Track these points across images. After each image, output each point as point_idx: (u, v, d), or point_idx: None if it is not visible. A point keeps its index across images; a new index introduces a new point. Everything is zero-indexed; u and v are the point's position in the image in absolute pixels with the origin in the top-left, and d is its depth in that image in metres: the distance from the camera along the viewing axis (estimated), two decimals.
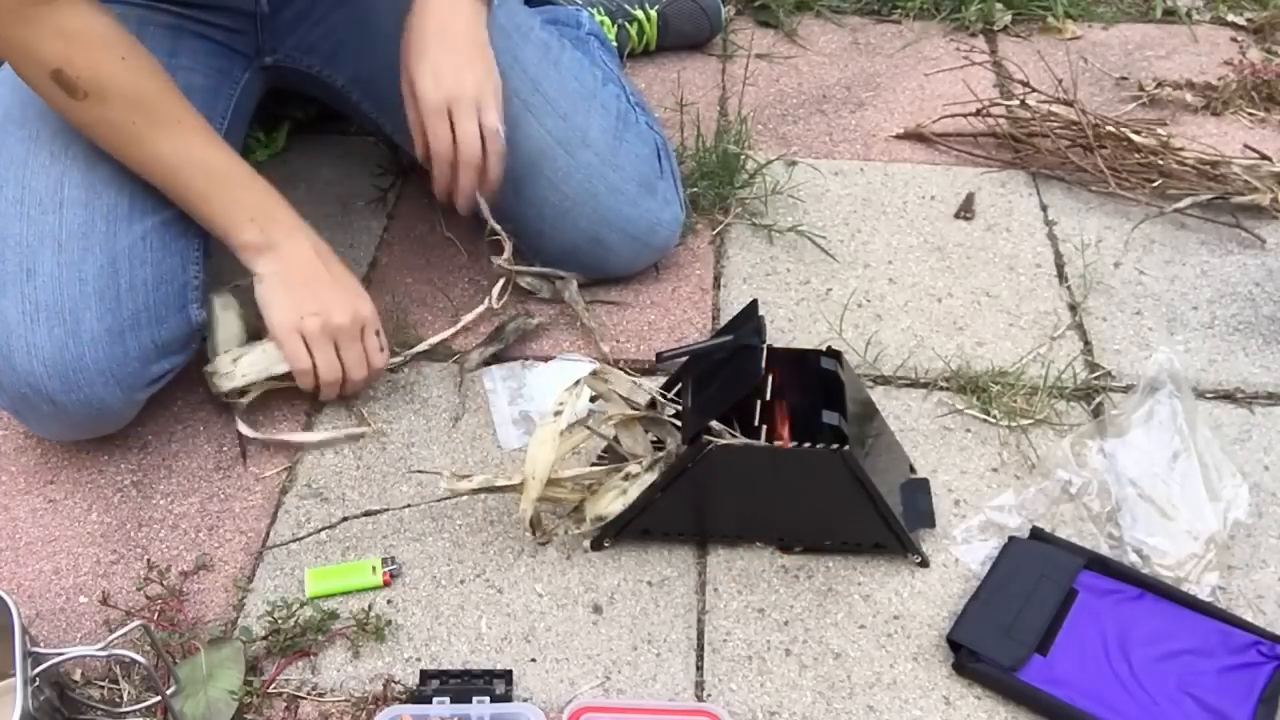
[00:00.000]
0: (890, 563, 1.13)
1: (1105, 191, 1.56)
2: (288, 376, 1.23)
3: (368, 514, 1.17)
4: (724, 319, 1.31)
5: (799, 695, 1.02)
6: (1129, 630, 1.05)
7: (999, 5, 1.97)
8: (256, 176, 1.19)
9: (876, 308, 1.41)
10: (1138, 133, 1.59)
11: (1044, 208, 1.57)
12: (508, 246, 1.33)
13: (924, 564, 1.12)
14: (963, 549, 1.14)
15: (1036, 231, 1.53)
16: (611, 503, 1.12)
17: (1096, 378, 1.32)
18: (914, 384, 1.32)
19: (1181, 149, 1.58)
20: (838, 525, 1.11)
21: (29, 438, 1.25)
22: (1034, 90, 1.69)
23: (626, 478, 1.12)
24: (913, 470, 1.21)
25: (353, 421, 1.27)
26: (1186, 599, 1.07)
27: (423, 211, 1.54)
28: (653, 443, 1.15)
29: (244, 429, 1.24)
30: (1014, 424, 1.26)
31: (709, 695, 1.03)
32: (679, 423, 1.11)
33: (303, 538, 1.16)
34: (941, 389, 1.31)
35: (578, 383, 1.11)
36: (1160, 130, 1.62)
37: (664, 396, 1.14)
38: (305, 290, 1.19)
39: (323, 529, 1.16)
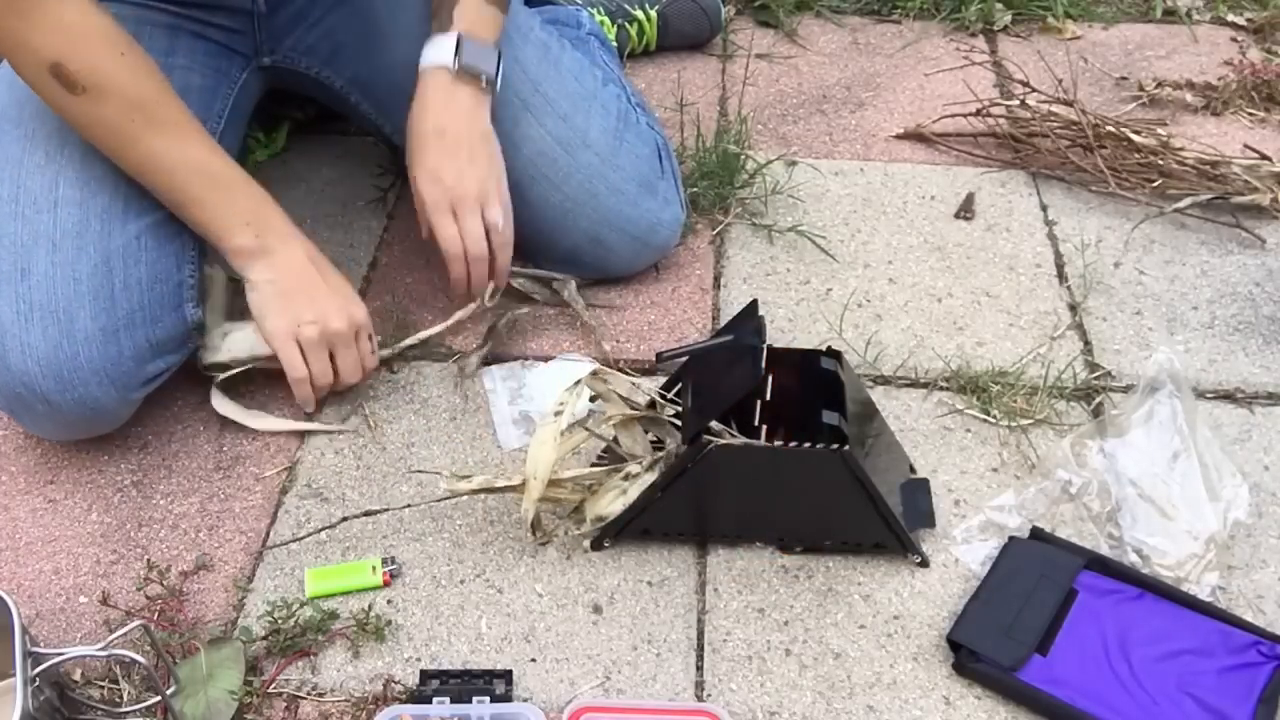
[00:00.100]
0: (890, 563, 1.13)
1: (1105, 191, 1.56)
2: (273, 359, 1.22)
3: (368, 514, 1.17)
4: (724, 319, 1.31)
5: (799, 695, 1.02)
6: (1129, 630, 1.05)
7: (999, 5, 1.97)
8: (251, 182, 1.19)
9: (876, 308, 1.41)
10: (1138, 133, 1.59)
11: (1044, 208, 1.57)
12: None
13: (924, 564, 1.12)
14: (963, 549, 1.14)
15: (1036, 231, 1.53)
16: (612, 503, 1.12)
17: (1096, 378, 1.32)
18: (914, 384, 1.32)
19: (1181, 149, 1.58)
20: (838, 525, 1.11)
21: (29, 438, 1.25)
22: (1034, 90, 1.69)
23: (627, 478, 1.12)
24: (913, 470, 1.21)
25: (338, 420, 1.27)
26: (1186, 599, 1.07)
27: None
28: (652, 443, 1.15)
29: (219, 404, 1.25)
30: (1014, 424, 1.26)
31: (709, 695, 1.03)
32: (679, 423, 1.11)
33: (303, 538, 1.16)
34: (941, 389, 1.31)
35: (578, 383, 1.11)
36: (1160, 130, 1.62)
37: (664, 396, 1.14)
38: (301, 297, 1.19)
39: (323, 529, 1.16)
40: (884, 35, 1.95)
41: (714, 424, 1.07)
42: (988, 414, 1.27)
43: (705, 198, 1.55)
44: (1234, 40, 1.94)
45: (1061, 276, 1.46)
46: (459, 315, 1.34)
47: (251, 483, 1.21)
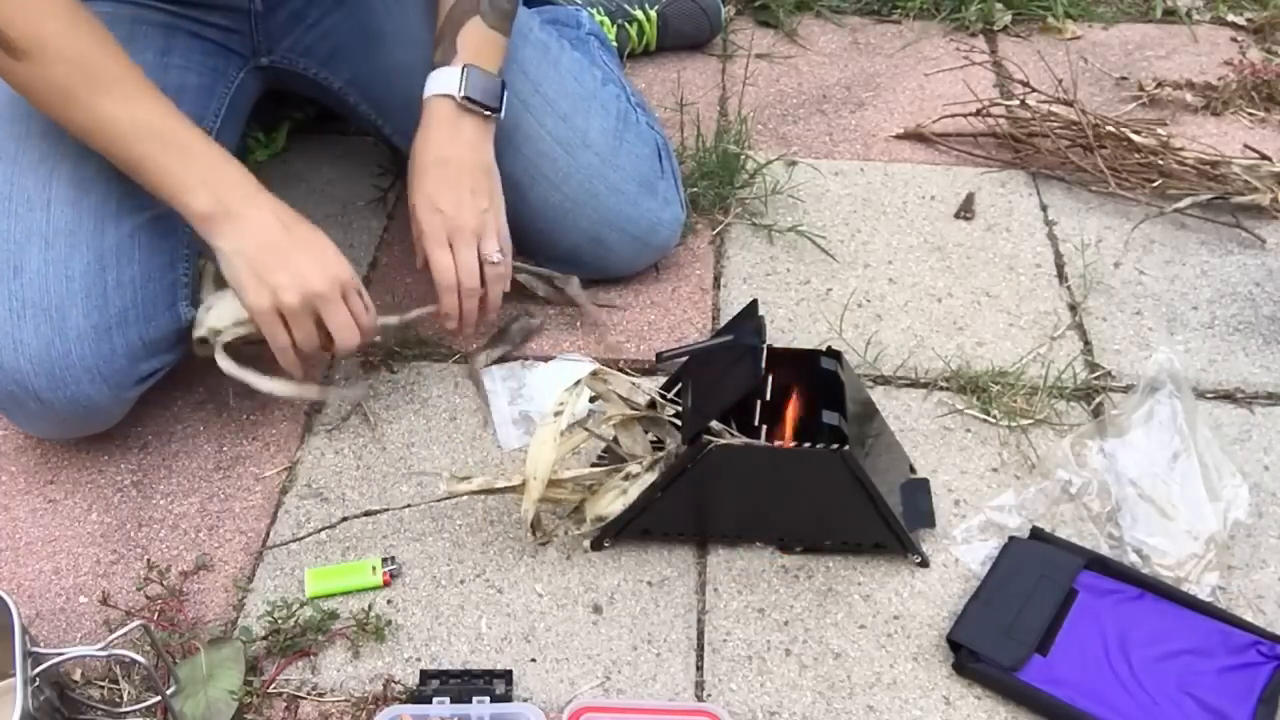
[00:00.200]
0: (890, 563, 1.13)
1: (1105, 191, 1.56)
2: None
3: (368, 514, 1.17)
4: (724, 319, 1.31)
5: (799, 695, 1.02)
6: (1129, 630, 1.05)
7: (999, 5, 1.97)
8: (209, 142, 1.13)
9: (876, 308, 1.41)
10: (1138, 133, 1.59)
11: (1044, 208, 1.57)
12: None
13: (924, 564, 1.12)
14: (963, 549, 1.14)
15: (1036, 231, 1.53)
16: (612, 503, 1.12)
17: (1096, 378, 1.32)
18: (914, 384, 1.32)
19: (1181, 149, 1.58)
20: (838, 525, 1.11)
21: (29, 438, 1.25)
22: (1034, 90, 1.69)
23: (627, 478, 1.12)
24: (913, 470, 1.21)
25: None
26: (1186, 599, 1.07)
27: None
28: (652, 443, 1.15)
29: (224, 364, 1.18)
30: (1014, 424, 1.26)
31: (709, 695, 1.03)
32: (679, 422, 1.11)
33: (303, 538, 1.16)
34: (941, 389, 1.31)
35: (578, 383, 1.11)
36: (1160, 130, 1.62)
37: (664, 396, 1.14)
38: (274, 262, 1.12)
39: (323, 529, 1.16)
40: (884, 35, 1.95)
41: (714, 424, 1.07)
42: (988, 414, 1.27)
43: (705, 198, 1.55)
44: (1234, 40, 1.94)
45: (1061, 276, 1.46)
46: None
47: (251, 483, 1.21)
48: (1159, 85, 1.77)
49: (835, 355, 1.16)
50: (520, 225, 1.37)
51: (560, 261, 1.40)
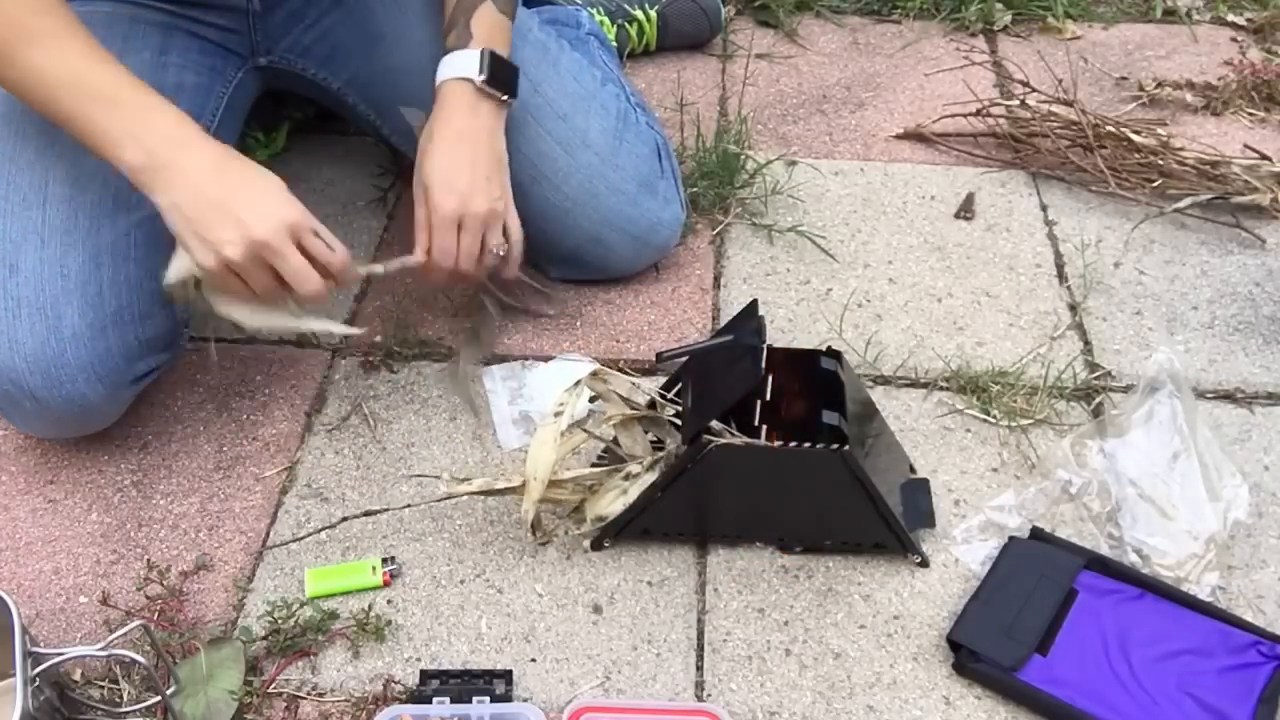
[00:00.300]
0: (890, 563, 1.13)
1: (1105, 191, 1.56)
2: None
3: (368, 514, 1.17)
4: (724, 319, 1.31)
5: (799, 695, 1.02)
6: (1129, 630, 1.05)
7: (999, 5, 1.97)
8: (141, 90, 1.06)
9: (876, 308, 1.41)
10: (1138, 133, 1.59)
11: (1044, 208, 1.57)
12: None
13: (924, 564, 1.12)
14: (963, 549, 1.14)
15: (1036, 231, 1.53)
16: (612, 503, 1.12)
17: (1096, 378, 1.32)
18: (914, 384, 1.32)
19: (1181, 149, 1.58)
20: (838, 525, 1.11)
21: (29, 438, 1.25)
22: (1034, 90, 1.69)
23: (627, 477, 1.12)
24: (913, 470, 1.21)
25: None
26: (1186, 599, 1.07)
27: None
28: (652, 443, 1.15)
29: (216, 303, 1.13)
30: (1014, 424, 1.26)
31: (709, 695, 1.03)
32: (679, 422, 1.11)
33: (303, 538, 1.16)
34: (941, 389, 1.31)
35: (578, 383, 1.11)
36: (1160, 130, 1.62)
37: (664, 396, 1.14)
38: (213, 215, 1.04)
39: (323, 529, 1.16)
40: (884, 35, 1.95)
41: (714, 424, 1.07)
42: (988, 414, 1.27)
43: (705, 198, 1.55)
44: (1234, 40, 1.94)
45: (1061, 276, 1.46)
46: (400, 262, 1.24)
47: (251, 483, 1.21)
48: (1159, 85, 1.77)
49: (835, 355, 1.16)
50: (521, 225, 1.37)
51: (561, 262, 1.40)
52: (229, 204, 1.05)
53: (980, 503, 1.18)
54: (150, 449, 1.25)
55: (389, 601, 1.10)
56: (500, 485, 1.10)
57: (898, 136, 1.71)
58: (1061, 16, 1.96)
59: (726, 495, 1.10)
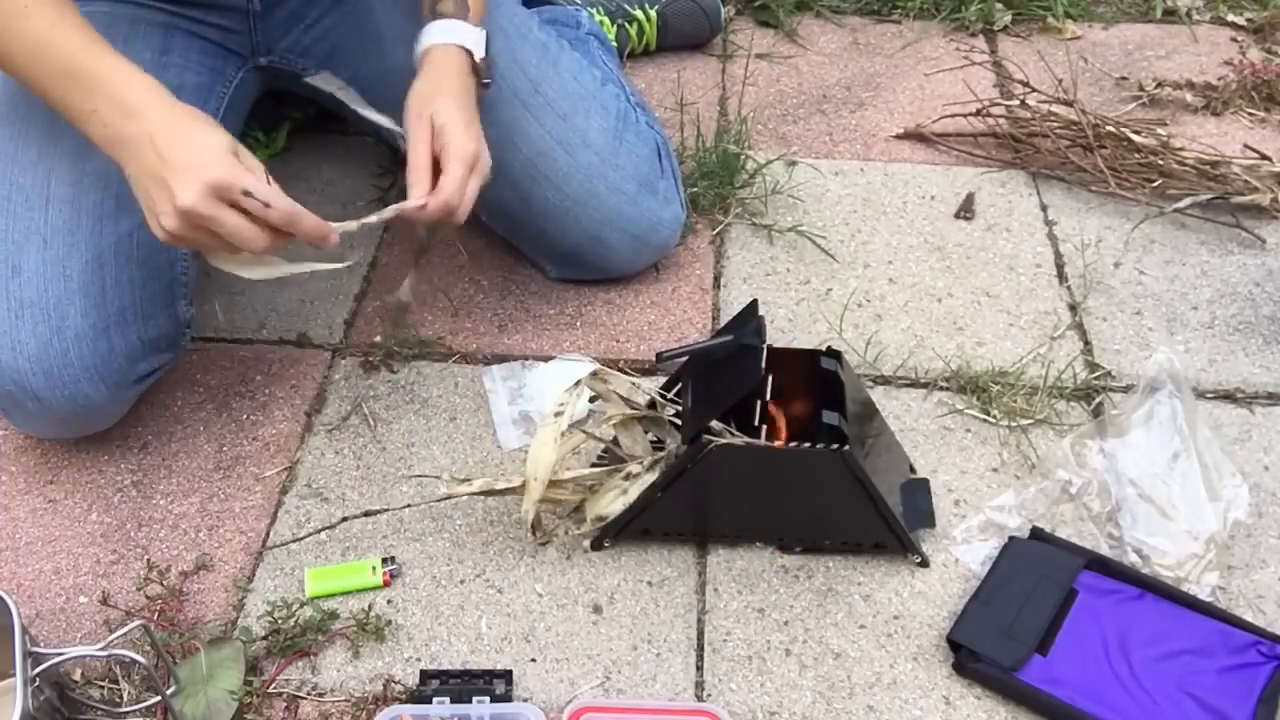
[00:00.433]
0: (890, 563, 1.13)
1: (1105, 191, 1.56)
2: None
3: (368, 514, 1.17)
4: (724, 319, 1.31)
5: (799, 695, 1.02)
6: (1129, 630, 1.05)
7: (999, 5, 1.97)
8: (100, 59, 1.04)
9: (876, 308, 1.41)
10: (1138, 133, 1.59)
11: (1044, 208, 1.57)
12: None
13: (924, 564, 1.12)
14: (963, 549, 1.14)
15: (1036, 231, 1.53)
16: (612, 503, 1.12)
17: (1096, 378, 1.32)
18: (914, 384, 1.32)
19: (1181, 149, 1.58)
20: (838, 525, 1.11)
21: (29, 438, 1.25)
22: (1034, 90, 1.69)
23: (627, 477, 1.12)
24: (913, 470, 1.21)
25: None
26: (1186, 599, 1.07)
27: None
28: (653, 443, 1.15)
29: (212, 259, 1.11)
30: (1014, 424, 1.26)
31: (709, 695, 1.03)
32: (679, 422, 1.11)
33: (303, 538, 1.16)
34: (941, 389, 1.31)
35: (578, 383, 1.11)
36: (1160, 130, 1.62)
37: (664, 396, 1.14)
38: (154, 186, 1.02)
39: (323, 529, 1.16)
40: (884, 35, 1.95)
41: (714, 424, 1.07)
42: (988, 414, 1.27)
43: (705, 198, 1.55)
44: (1234, 40, 1.94)
45: (1061, 276, 1.46)
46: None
47: (251, 483, 1.21)
48: (1159, 85, 1.77)
49: (835, 355, 1.16)
50: (521, 225, 1.38)
51: (561, 261, 1.40)
52: (164, 174, 1.01)
53: (980, 503, 1.18)
54: (150, 449, 1.25)
55: (389, 601, 1.10)
56: (500, 486, 1.10)
57: (898, 136, 1.71)
58: (1061, 16, 1.96)
59: (726, 495, 1.10)
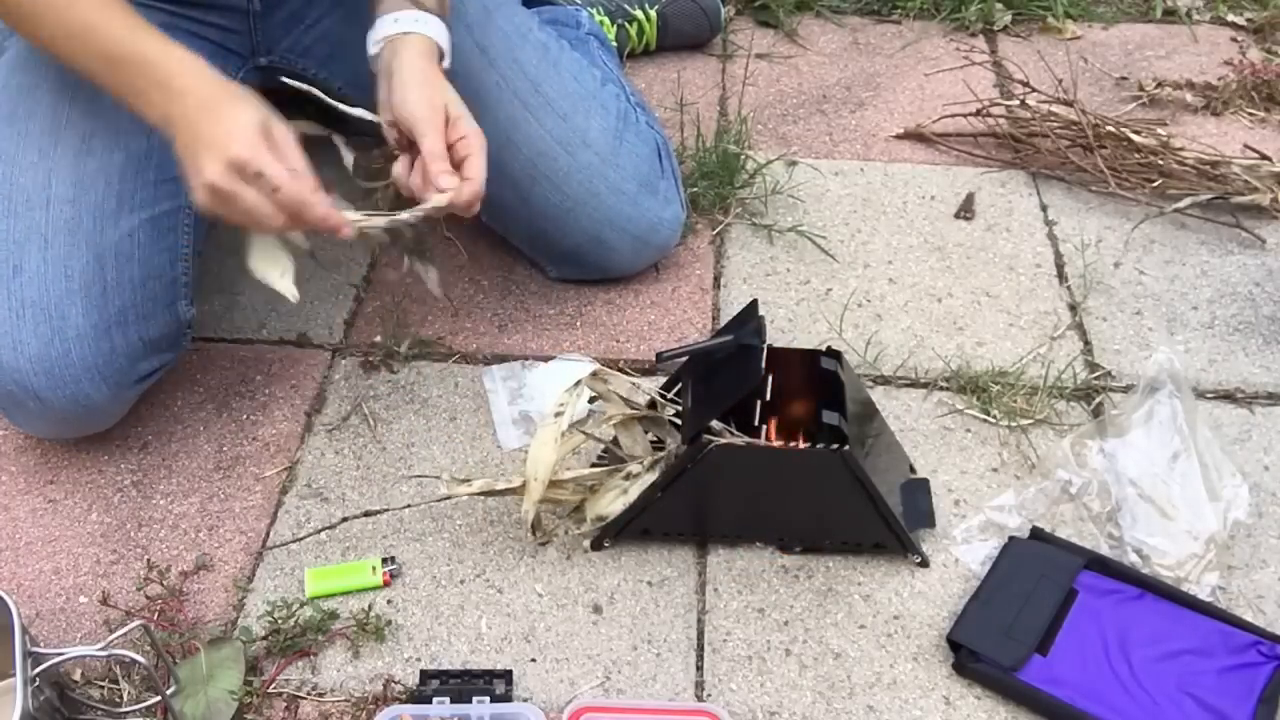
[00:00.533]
0: (890, 563, 1.13)
1: (1105, 191, 1.56)
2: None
3: (368, 514, 1.17)
4: (724, 319, 1.31)
5: (799, 695, 1.02)
6: (1129, 630, 1.05)
7: (999, 5, 1.97)
8: (149, 40, 1.06)
9: (876, 308, 1.41)
10: (1138, 133, 1.59)
11: (1044, 208, 1.57)
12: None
13: (924, 564, 1.12)
14: (963, 549, 1.14)
15: (1036, 231, 1.53)
16: (613, 502, 1.12)
17: (1096, 378, 1.32)
18: (914, 384, 1.32)
19: (1181, 149, 1.58)
20: (838, 525, 1.11)
21: (29, 438, 1.25)
22: (1034, 90, 1.69)
23: (628, 477, 1.12)
24: (913, 470, 1.21)
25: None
26: (1186, 599, 1.07)
27: None
28: (652, 443, 1.15)
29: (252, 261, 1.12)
30: (1014, 424, 1.26)
31: (709, 695, 1.03)
32: (679, 422, 1.11)
33: (303, 538, 1.16)
34: (941, 389, 1.31)
35: (578, 384, 1.11)
36: (1160, 130, 1.62)
37: (664, 396, 1.14)
38: (189, 162, 1.04)
39: (323, 529, 1.16)
40: (884, 35, 1.95)
41: (714, 424, 1.07)
42: (988, 414, 1.27)
43: (705, 198, 1.55)
44: (1234, 40, 1.94)
45: (1061, 276, 1.46)
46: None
47: (251, 483, 1.21)
48: (1159, 85, 1.77)
49: (835, 355, 1.16)
50: (521, 225, 1.38)
51: (562, 261, 1.40)
52: (196, 148, 1.04)
53: (980, 503, 1.18)
54: (150, 449, 1.25)
55: (389, 601, 1.10)
56: (500, 486, 1.10)
57: (898, 136, 1.71)
58: (1061, 16, 1.96)
59: (726, 495, 1.10)
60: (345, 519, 1.17)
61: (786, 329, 1.38)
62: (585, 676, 1.04)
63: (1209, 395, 1.30)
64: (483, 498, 1.16)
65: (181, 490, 1.21)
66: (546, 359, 1.33)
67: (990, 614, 1.05)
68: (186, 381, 1.31)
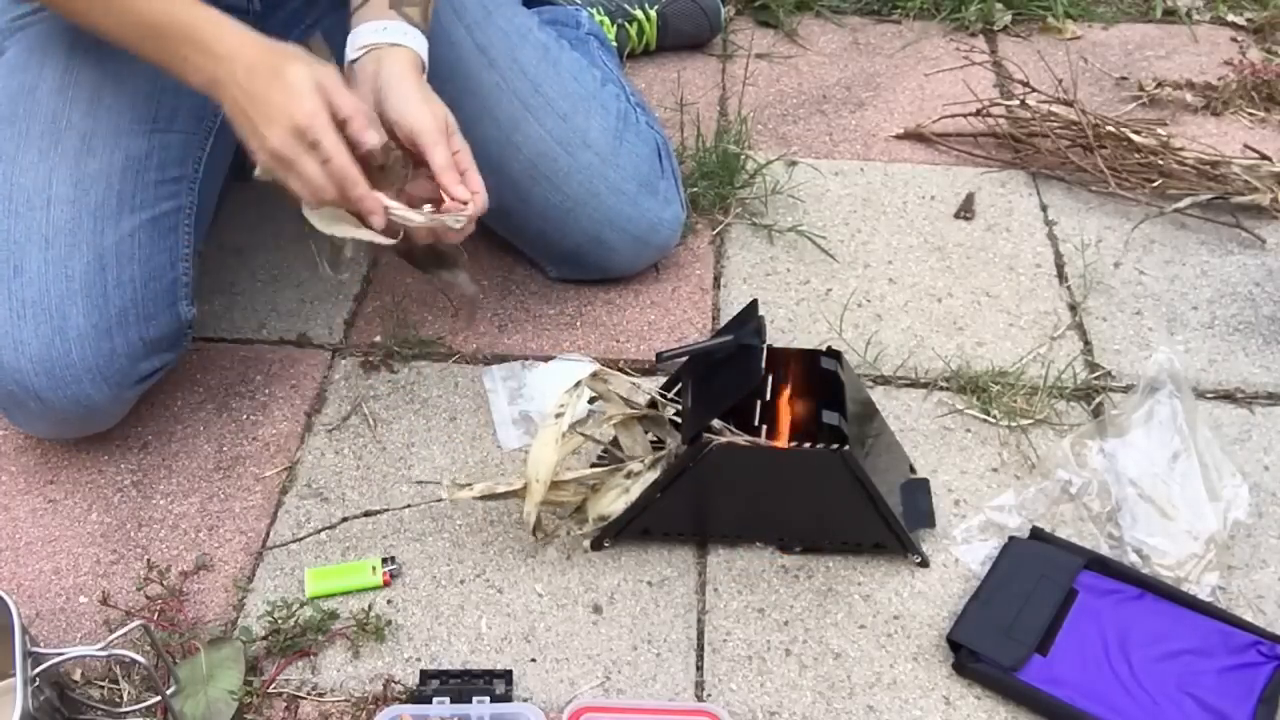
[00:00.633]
0: (890, 563, 1.13)
1: (1105, 191, 1.56)
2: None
3: (368, 514, 1.17)
4: (724, 319, 1.31)
5: (799, 695, 1.02)
6: (1129, 630, 1.05)
7: (999, 5, 1.97)
8: (191, 7, 1.07)
9: (876, 308, 1.41)
10: (1138, 133, 1.59)
11: (1044, 208, 1.57)
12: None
13: (924, 564, 1.12)
14: (963, 549, 1.14)
15: (1036, 231, 1.53)
16: (614, 502, 1.12)
17: (1096, 378, 1.32)
18: (914, 384, 1.32)
19: (1181, 149, 1.58)
20: (838, 525, 1.11)
21: (29, 438, 1.25)
22: (1034, 90, 1.69)
23: (629, 476, 1.12)
24: (913, 470, 1.21)
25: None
26: (1186, 599, 1.07)
27: None
28: (653, 443, 1.15)
29: (312, 218, 1.10)
30: (1014, 424, 1.26)
31: (709, 695, 1.03)
32: (679, 422, 1.11)
33: (303, 538, 1.16)
34: (941, 389, 1.31)
35: (578, 384, 1.11)
36: (1160, 130, 1.62)
37: (664, 396, 1.14)
38: (248, 126, 1.06)
39: (323, 529, 1.16)
40: (884, 35, 1.95)
41: (714, 424, 1.07)
42: (988, 414, 1.27)
43: (705, 198, 1.55)
44: (1234, 40, 1.94)
45: (1061, 276, 1.46)
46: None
47: (251, 483, 1.21)
48: (1159, 85, 1.77)
49: (835, 355, 1.16)
50: (521, 225, 1.38)
51: (561, 261, 1.40)
52: (252, 114, 1.05)
53: (980, 503, 1.18)
54: (150, 449, 1.25)
55: (389, 601, 1.10)
56: (501, 489, 1.10)
57: (898, 136, 1.71)
58: (1061, 16, 1.96)
59: (726, 495, 1.10)
60: (345, 519, 1.17)
61: (786, 329, 1.38)
62: (585, 676, 1.04)
63: (1209, 395, 1.30)
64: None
65: (181, 490, 1.21)
66: (546, 359, 1.33)
67: (990, 614, 1.05)
68: (186, 381, 1.31)
